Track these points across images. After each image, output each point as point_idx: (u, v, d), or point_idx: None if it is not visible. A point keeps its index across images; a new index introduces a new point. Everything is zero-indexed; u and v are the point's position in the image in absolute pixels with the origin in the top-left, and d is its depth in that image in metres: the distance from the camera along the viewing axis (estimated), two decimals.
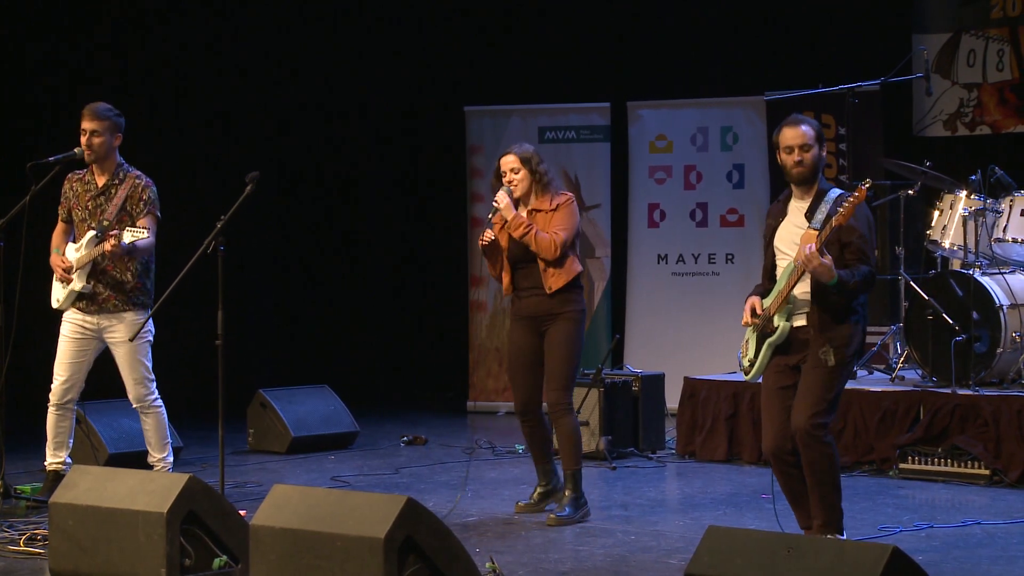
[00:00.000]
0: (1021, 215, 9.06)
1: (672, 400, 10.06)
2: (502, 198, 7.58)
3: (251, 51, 12.85)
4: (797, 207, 6.59)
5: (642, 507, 8.03)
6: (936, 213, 9.41)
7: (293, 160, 13.14)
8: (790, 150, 6.53)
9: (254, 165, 7.80)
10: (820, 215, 6.44)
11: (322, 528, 5.50)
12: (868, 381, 9.39)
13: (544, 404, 7.70)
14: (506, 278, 7.68)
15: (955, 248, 9.24)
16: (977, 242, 9.06)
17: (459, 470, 9.10)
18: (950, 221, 9.27)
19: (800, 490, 6.58)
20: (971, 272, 8.94)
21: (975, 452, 8.47)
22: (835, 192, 6.54)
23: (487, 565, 6.21)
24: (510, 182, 7.61)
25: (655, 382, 9.98)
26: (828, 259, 6.25)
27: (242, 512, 6.35)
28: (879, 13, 11.73)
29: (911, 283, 9.26)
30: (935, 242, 9.39)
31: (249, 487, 8.65)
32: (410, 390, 13.04)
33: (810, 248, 6.25)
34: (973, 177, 9.22)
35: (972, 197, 9.16)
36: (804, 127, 6.55)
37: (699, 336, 11.85)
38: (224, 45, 12.72)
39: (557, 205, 7.58)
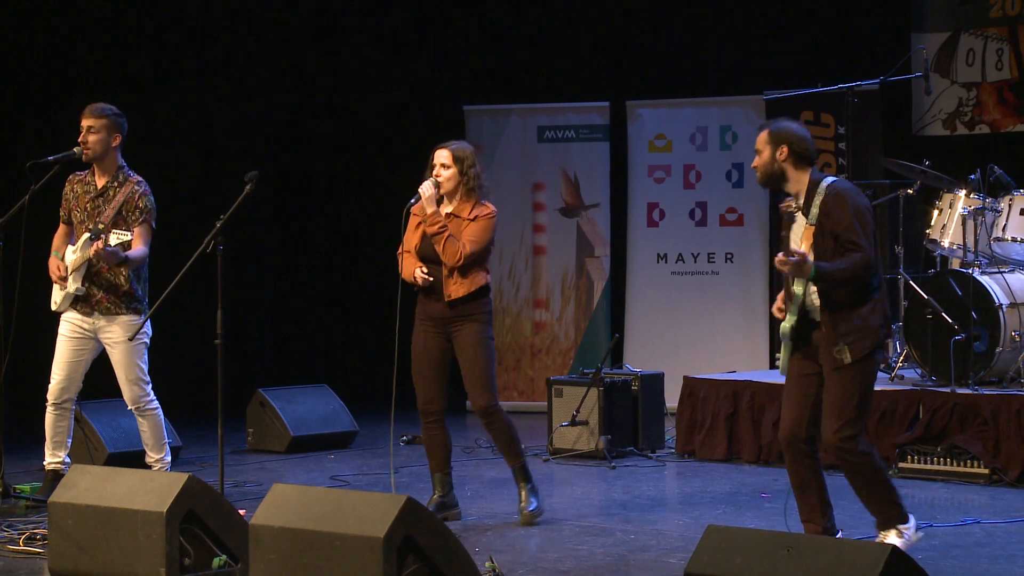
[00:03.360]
0: (1020, 214, 9.06)
1: (672, 399, 10.06)
2: (426, 189, 7.42)
3: (250, 49, 12.84)
4: (796, 204, 6.60)
5: (642, 506, 8.03)
6: (935, 212, 9.40)
7: (292, 159, 13.13)
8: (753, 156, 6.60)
9: (253, 164, 7.80)
10: (815, 208, 6.41)
11: (321, 527, 5.50)
12: None
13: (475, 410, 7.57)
14: (416, 269, 7.44)
15: (954, 247, 9.24)
16: (976, 241, 9.06)
17: (458, 469, 9.09)
18: (949, 220, 9.27)
19: (808, 480, 6.54)
20: (970, 271, 8.94)
21: (974, 451, 8.47)
22: (828, 180, 6.46)
23: (486, 564, 6.21)
24: (438, 176, 7.47)
25: (654, 381, 9.98)
26: (796, 257, 6.23)
27: (241, 511, 6.35)
28: (878, 12, 11.73)
29: (910, 282, 9.26)
30: (934, 241, 9.38)
31: (248, 486, 8.64)
32: (410, 389, 13.00)
33: (779, 256, 6.28)
34: (972, 176, 9.22)
35: (971, 196, 9.16)
36: (761, 131, 6.59)
37: (698, 335, 11.85)
38: (223, 43, 12.72)
39: (476, 216, 7.42)
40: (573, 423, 9.55)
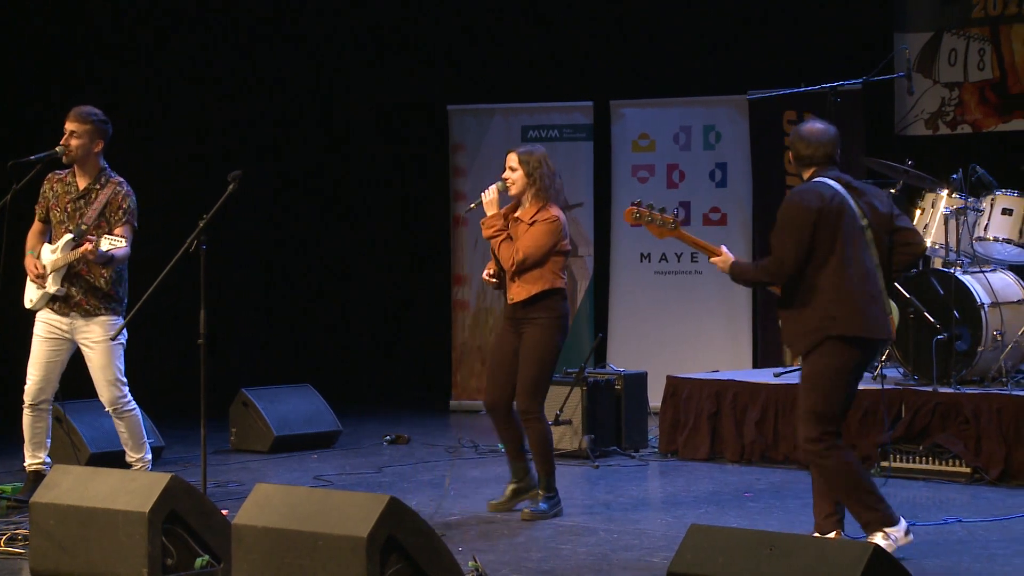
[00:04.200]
0: (1002, 214, 9.09)
1: (655, 399, 10.07)
2: (490, 192, 7.55)
3: (235, 50, 12.83)
4: None
5: (625, 506, 8.03)
6: (918, 212, 9.43)
7: (276, 159, 13.12)
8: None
9: (238, 164, 7.78)
10: None
11: (304, 527, 5.49)
12: None
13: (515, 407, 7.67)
14: (493, 270, 7.63)
15: (937, 247, 9.27)
16: (959, 241, 9.09)
17: (442, 469, 9.11)
18: (932, 220, 9.29)
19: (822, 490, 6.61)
20: (952, 271, 8.96)
21: (956, 450, 8.49)
22: (803, 185, 6.61)
23: (470, 564, 6.21)
24: (507, 178, 7.57)
25: (638, 381, 9.98)
26: (719, 258, 6.52)
27: (224, 511, 6.34)
28: (861, 12, 11.75)
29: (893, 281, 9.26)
30: None
31: (231, 486, 8.63)
32: (393, 389, 13.03)
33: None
34: (955, 176, 9.24)
35: (953, 196, 9.19)
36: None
37: (682, 335, 11.86)
38: (209, 44, 12.70)
39: (535, 221, 7.46)
40: (556, 422, 9.54)
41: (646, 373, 10.14)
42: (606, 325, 12.06)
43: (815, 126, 6.63)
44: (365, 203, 13.50)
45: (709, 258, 6.62)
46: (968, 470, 8.46)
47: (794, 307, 6.44)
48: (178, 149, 12.43)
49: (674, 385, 9.73)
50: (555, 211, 7.52)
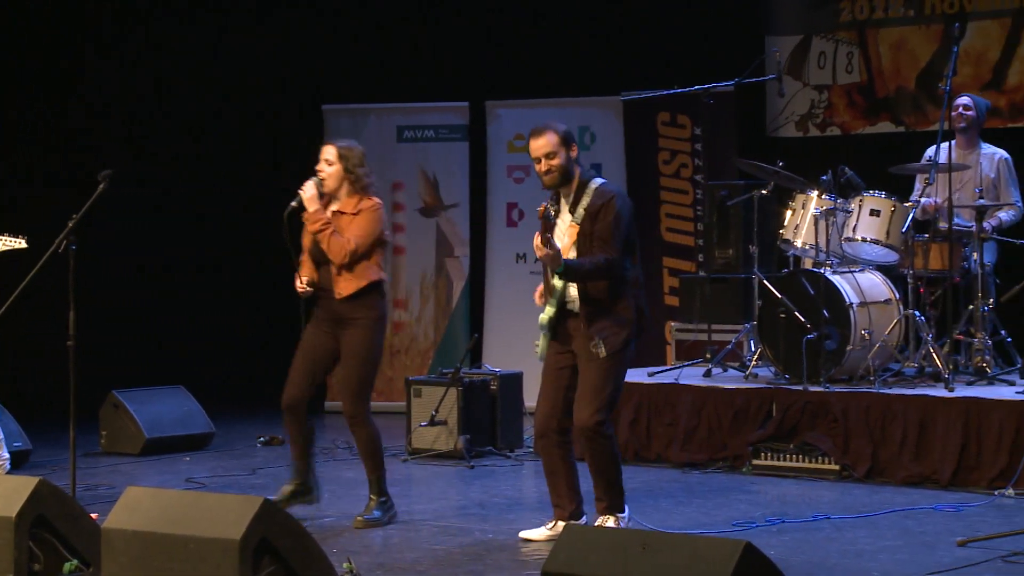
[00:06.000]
0: (870, 215, 9.23)
1: (530, 399, 10.05)
2: (308, 188, 7.34)
3: (109, 49, 12.65)
4: (564, 201, 6.92)
5: (500, 506, 8.05)
6: (788, 212, 9.54)
7: (150, 160, 12.95)
8: (537, 160, 6.85)
9: (109, 164, 7.67)
10: (580, 207, 6.79)
11: (176, 530, 5.43)
12: (722, 379, 9.51)
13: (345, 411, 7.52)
14: (306, 276, 7.42)
15: (807, 247, 9.39)
16: (828, 241, 9.21)
17: (316, 470, 9.04)
18: (802, 220, 9.41)
19: (559, 468, 6.93)
20: (822, 271, 9.09)
21: (825, 448, 8.63)
22: (597, 181, 6.86)
23: (344, 565, 6.18)
24: (320, 171, 7.39)
25: (513, 381, 10.01)
26: (551, 250, 6.55)
27: (94, 515, 6.25)
28: (733, 14, 11.88)
29: (764, 281, 9.38)
30: (787, 241, 9.52)
31: (101, 490, 8.51)
32: (267, 390, 12.90)
33: (537, 242, 6.57)
34: (824, 177, 9.37)
35: (823, 197, 9.31)
36: (548, 135, 6.83)
37: None
38: (83, 45, 12.52)
39: (360, 210, 7.35)
40: (432, 423, 9.55)
41: (521, 373, 10.17)
42: (481, 325, 12.07)
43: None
44: (239, 203, 13.36)
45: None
46: (836, 467, 8.59)
47: (611, 303, 6.77)
48: (52, 149, 12.23)
49: None
50: (376, 199, 7.44)
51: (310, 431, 7.62)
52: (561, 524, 6.69)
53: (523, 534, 7.06)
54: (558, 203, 6.91)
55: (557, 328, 6.87)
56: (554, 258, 6.58)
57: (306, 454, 7.63)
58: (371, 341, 7.39)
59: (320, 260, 7.40)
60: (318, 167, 7.43)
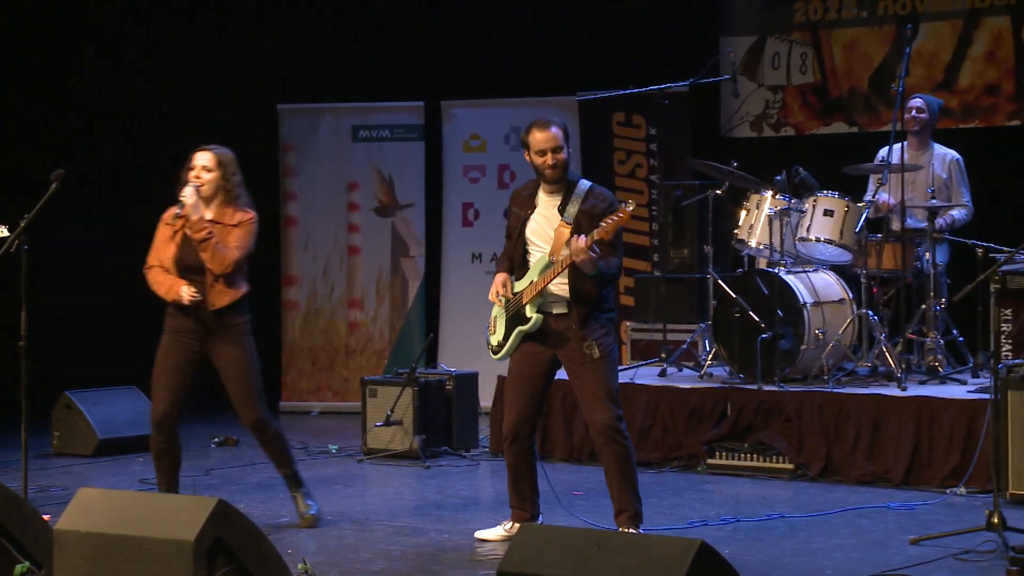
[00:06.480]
0: (824, 215, 9.28)
1: (486, 398, 10.09)
2: (191, 195, 7.17)
3: (56, 45, 12.57)
4: (548, 200, 6.79)
5: (455, 505, 8.04)
6: (743, 213, 9.58)
7: (100, 158, 12.87)
8: (542, 153, 6.68)
9: (60, 163, 7.62)
10: (572, 208, 6.69)
11: (129, 531, 5.39)
12: (677, 378, 9.54)
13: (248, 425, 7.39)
14: (181, 289, 7.20)
15: (761, 247, 9.43)
16: (782, 241, 9.26)
17: (270, 471, 8.99)
18: (756, 220, 9.45)
19: (524, 471, 6.88)
20: (776, 271, 9.13)
21: (779, 447, 8.66)
22: (585, 184, 6.77)
23: (299, 566, 6.17)
24: (198, 178, 7.25)
25: (469, 381, 10.01)
26: (596, 253, 6.45)
27: (46, 517, 6.20)
28: (688, 15, 11.92)
29: (719, 281, 9.41)
30: (742, 241, 9.56)
31: (53, 491, 8.46)
32: (222, 390, 12.83)
33: (582, 239, 6.43)
34: (778, 177, 9.41)
35: (777, 197, 9.35)
36: (554, 129, 6.70)
37: None
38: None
39: (239, 222, 7.22)
40: (387, 423, 9.53)
41: (477, 373, 10.17)
42: (437, 325, 12.07)
43: None
44: None
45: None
46: (791, 466, 8.63)
47: (603, 305, 6.72)
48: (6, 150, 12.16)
49: (505, 385, 9.74)
50: (253, 211, 7.32)
51: (178, 451, 7.42)
52: (518, 526, 6.67)
53: (479, 534, 7.05)
54: (533, 201, 6.79)
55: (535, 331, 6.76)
56: (595, 261, 6.46)
57: (175, 479, 7.43)
58: (251, 346, 7.31)
59: (189, 269, 7.21)
60: (194, 174, 7.24)
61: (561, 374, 6.88)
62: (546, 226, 6.74)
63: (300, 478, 7.51)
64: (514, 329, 6.79)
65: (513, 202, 6.94)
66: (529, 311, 6.71)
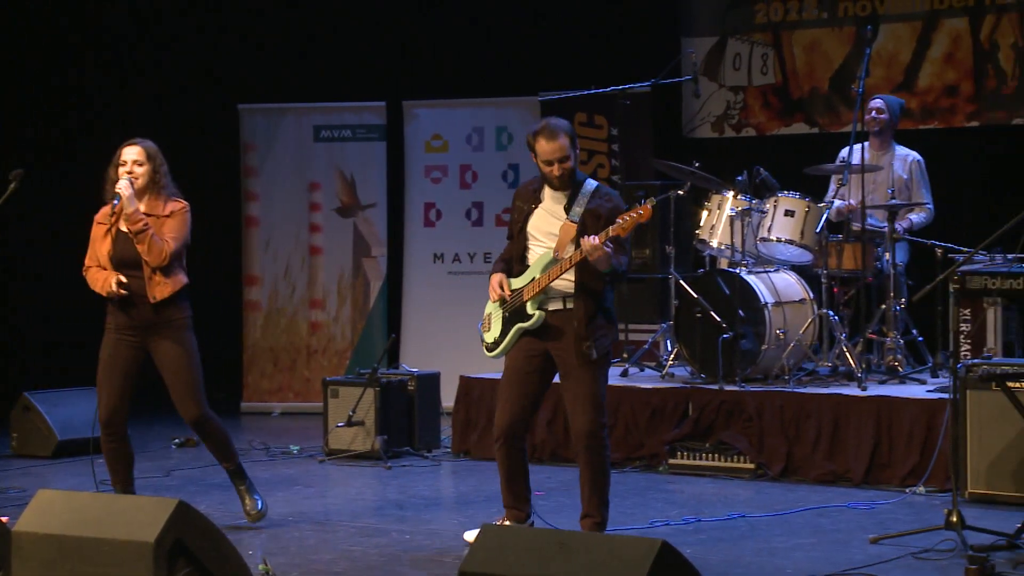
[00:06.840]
0: (785, 215, 9.31)
1: (448, 399, 10.09)
2: (126, 187, 7.13)
3: (18, 41, 12.51)
4: (553, 196, 6.73)
5: (417, 506, 8.03)
6: (704, 213, 9.61)
7: (60, 158, 12.80)
8: (549, 163, 6.63)
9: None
10: (579, 207, 6.62)
11: (88, 533, 5.37)
12: (639, 378, 9.55)
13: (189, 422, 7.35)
14: (111, 279, 7.14)
15: (723, 247, 9.46)
16: (744, 241, 9.29)
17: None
18: (718, 221, 9.48)
19: (517, 471, 6.75)
20: (737, 271, 9.16)
21: (740, 447, 8.69)
22: (592, 184, 6.72)
23: (260, 567, 6.15)
24: (131, 173, 7.21)
25: (430, 381, 10.00)
26: (610, 248, 6.39)
27: (4, 519, 6.16)
28: (649, 15, 11.94)
29: (680, 281, 9.43)
30: (704, 241, 9.59)
31: (12, 493, 8.41)
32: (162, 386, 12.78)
33: (594, 239, 6.36)
34: (739, 178, 9.44)
35: (738, 197, 9.38)
36: (562, 139, 6.62)
37: (474, 335, 11.66)
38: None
39: (172, 212, 7.19)
40: (349, 424, 9.51)
41: (439, 373, 10.16)
42: (399, 326, 12.05)
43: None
44: None
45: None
46: (752, 466, 8.66)
47: (606, 305, 6.68)
48: None
49: (467, 385, 9.76)
50: (184, 201, 7.29)
51: (130, 451, 7.39)
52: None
53: (468, 536, 6.92)
54: (539, 196, 6.74)
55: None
56: (608, 258, 6.40)
57: (130, 478, 7.41)
58: (192, 341, 7.27)
59: (126, 264, 7.16)
60: (125, 169, 7.21)
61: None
62: (550, 222, 6.66)
63: (244, 473, 7.47)
64: (513, 326, 6.71)
65: (517, 196, 6.85)
66: (531, 308, 6.63)
